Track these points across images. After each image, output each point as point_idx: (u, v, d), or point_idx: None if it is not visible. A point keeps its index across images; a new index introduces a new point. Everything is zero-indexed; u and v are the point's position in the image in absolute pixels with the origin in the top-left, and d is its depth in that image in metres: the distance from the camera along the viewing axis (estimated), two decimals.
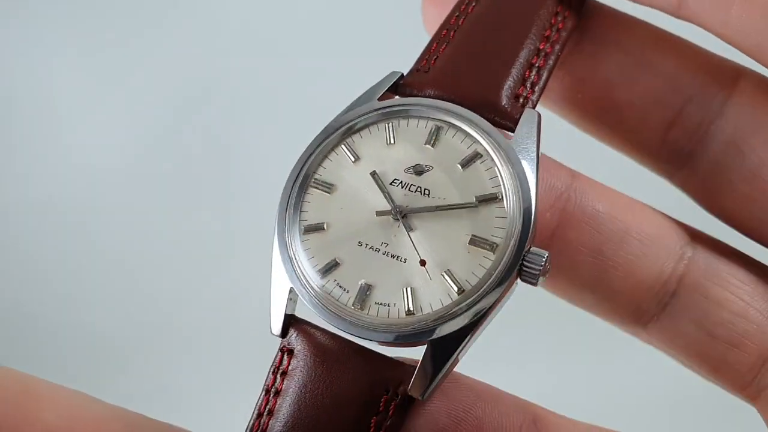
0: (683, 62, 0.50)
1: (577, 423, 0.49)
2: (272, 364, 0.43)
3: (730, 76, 0.50)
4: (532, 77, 0.46)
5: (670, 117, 0.50)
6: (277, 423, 0.41)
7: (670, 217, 0.51)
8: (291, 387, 0.42)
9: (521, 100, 0.46)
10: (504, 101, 0.45)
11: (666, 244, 0.50)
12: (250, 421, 0.42)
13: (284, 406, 0.41)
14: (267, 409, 0.42)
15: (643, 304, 0.50)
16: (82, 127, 1.19)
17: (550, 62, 0.47)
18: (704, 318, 0.49)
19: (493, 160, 0.43)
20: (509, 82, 0.46)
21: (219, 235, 1.14)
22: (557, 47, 0.48)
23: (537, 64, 0.47)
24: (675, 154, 0.51)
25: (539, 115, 0.44)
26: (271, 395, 0.42)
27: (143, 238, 1.17)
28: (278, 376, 0.42)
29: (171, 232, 1.16)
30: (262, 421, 0.42)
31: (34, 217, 1.18)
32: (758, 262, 0.51)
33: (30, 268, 1.19)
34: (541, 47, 0.47)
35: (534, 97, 0.46)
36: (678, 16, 0.47)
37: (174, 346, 1.13)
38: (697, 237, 0.51)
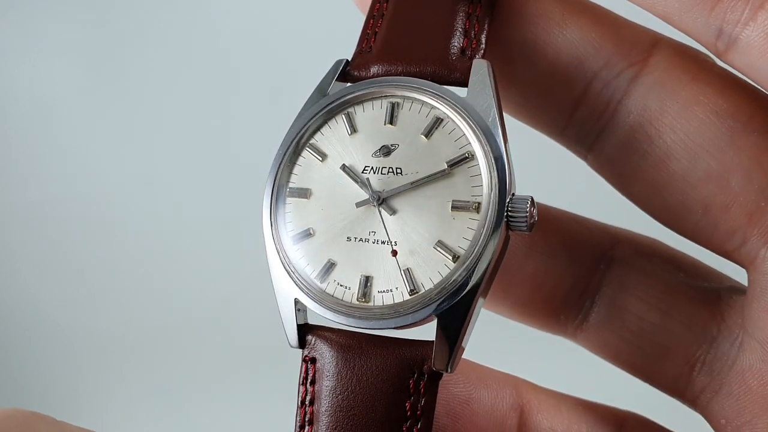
0: (589, 32, 0.46)
1: (561, 396, 0.50)
2: (299, 376, 0.43)
3: (643, 47, 0.46)
4: (473, 27, 0.46)
5: (575, 95, 0.47)
6: (320, 428, 0.42)
7: None
8: (323, 392, 0.43)
9: (468, 53, 0.45)
10: (450, 59, 0.45)
11: None
12: None
13: (321, 412, 0.42)
14: (306, 420, 0.43)
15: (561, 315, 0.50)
16: (82, 128, 1.21)
17: (486, 7, 0.46)
18: (624, 329, 0.49)
19: (454, 121, 0.43)
20: (451, 39, 0.45)
21: (218, 235, 1.15)
22: None
23: (475, 13, 0.46)
24: (582, 135, 0.48)
25: (488, 63, 0.44)
26: (307, 405, 0.43)
27: (143, 239, 1.19)
28: (308, 386, 0.43)
29: (171, 232, 1.18)
30: (305, 431, 0.43)
31: (33, 217, 1.20)
32: (680, 259, 0.50)
33: (30, 268, 1.21)
34: None
35: (480, 47, 0.45)
36: None
37: (174, 347, 1.15)
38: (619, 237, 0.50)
